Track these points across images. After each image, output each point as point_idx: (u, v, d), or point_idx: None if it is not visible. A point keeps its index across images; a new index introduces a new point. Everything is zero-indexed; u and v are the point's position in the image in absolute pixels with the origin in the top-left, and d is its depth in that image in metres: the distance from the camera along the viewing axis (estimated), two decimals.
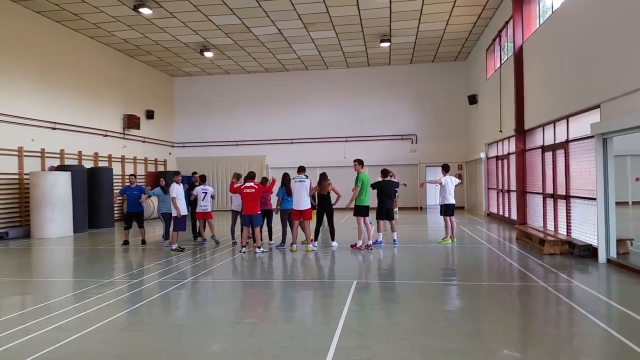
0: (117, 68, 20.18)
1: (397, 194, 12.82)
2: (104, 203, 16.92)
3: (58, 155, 16.45)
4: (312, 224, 11.17)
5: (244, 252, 10.46)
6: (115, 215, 18.28)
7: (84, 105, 17.94)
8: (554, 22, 11.43)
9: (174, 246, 10.90)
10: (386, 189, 11.22)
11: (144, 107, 22.14)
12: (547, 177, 11.95)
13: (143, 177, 21.27)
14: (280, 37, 18.88)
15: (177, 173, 11.61)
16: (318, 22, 17.27)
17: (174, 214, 11.02)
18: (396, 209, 14.34)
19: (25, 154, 14.93)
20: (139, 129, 21.08)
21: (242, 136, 24.86)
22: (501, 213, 16.92)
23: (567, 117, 10.64)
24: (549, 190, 11.78)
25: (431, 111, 23.60)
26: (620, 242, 8.50)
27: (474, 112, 21.47)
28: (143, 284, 7.67)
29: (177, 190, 11.04)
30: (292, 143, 24.44)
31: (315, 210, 11.22)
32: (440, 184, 11.67)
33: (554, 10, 11.65)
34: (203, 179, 12.39)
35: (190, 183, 12.74)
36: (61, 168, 15.59)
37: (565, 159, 10.62)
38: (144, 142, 22.01)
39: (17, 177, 14.74)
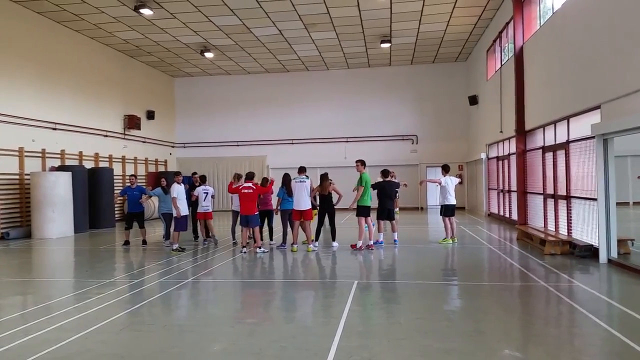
0: (117, 68, 20.20)
1: (397, 194, 12.82)
2: (104, 203, 16.94)
3: (59, 156, 16.46)
4: (313, 224, 11.17)
5: (245, 252, 10.46)
6: (116, 216, 18.28)
7: (84, 106, 17.95)
8: (555, 23, 11.43)
9: (175, 246, 10.90)
10: (387, 190, 11.22)
11: (144, 107, 22.15)
12: (548, 177, 11.95)
13: (144, 177, 21.28)
14: (280, 38, 18.90)
15: (178, 173, 11.61)
16: (319, 23, 17.27)
17: (175, 214, 11.03)
18: (397, 210, 14.34)
19: (26, 154, 14.94)
20: (140, 129, 21.10)
21: (242, 136, 24.87)
22: (502, 213, 16.91)
23: (567, 118, 10.64)
24: (550, 190, 11.78)
25: (432, 112, 23.61)
26: (621, 242, 8.50)
27: (475, 113, 21.47)
28: (144, 284, 7.68)
29: (178, 191, 11.05)
30: (292, 143, 24.44)
31: (316, 211, 11.22)
32: (440, 184, 11.66)
33: (554, 11, 11.65)
34: (203, 180, 12.39)
35: (190, 183, 12.74)
36: (62, 168, 15.59)
37: (566, 160, 10.62)
38: (144, 142, 22.02)
39: (17, 177, 14.74)
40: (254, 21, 16.89)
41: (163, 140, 23.88)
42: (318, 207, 11.15)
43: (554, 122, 11.50)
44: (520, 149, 13.91)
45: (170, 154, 24.72)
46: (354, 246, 10.79)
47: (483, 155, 19.22)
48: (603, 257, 8.38)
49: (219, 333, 5.17)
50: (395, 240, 11.47)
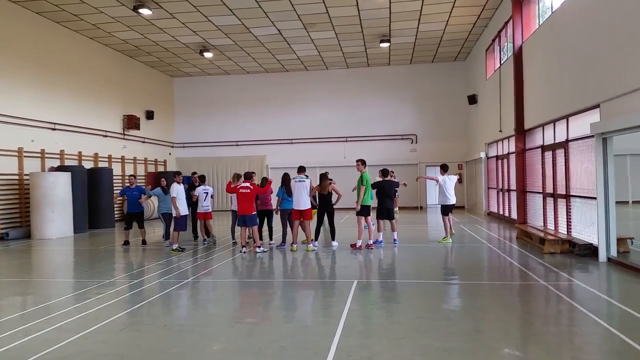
0: (116, 68, 20.18)
1: (397, 193, 12.83)
2: (104, 203, 16.93)
3: (58, 156, 16.45)
4: (313, 223, 11.18)
5: (244, 252, 10.46)
6: (116, 216, 18.28)
7: (83, 106, 17.94)
8: (554, 22, 11.44)
9: (175, 246, 10.90)
10: (386, 189, 11.23)
11: (143, 107, 22.14)
12: (547, 176, 11.96)
13: (143, 177, 21.27)
14: (280, 38, 18.89)
15: (178, 173, 11.60)
16: (318, 23, 17.27)
17: (174, 214, 11.03)
18: (396, 209, 14.34)
19: (25, 154, 14.93)
20: (139, 129, 21.08)
21: (242, 136, 24.86)
22: (501, 212, 16.92)
23: (566, 117, 10.65)
24: (549, 189, 11.79)
25: (431, 111, 23.61)
26: (620, 240, 8.51)
27: (474, 112, 21.48)
28: (143, 284, 7.67)
29: (178, 190, 11.05)
30: (292, 143, 24.44)
31: (315, 210, 11.23)
32: (437, 181, 11.67)
33: (553, 10, 11.65)
34: (202, 179, 12.39)
35: (190, 183, 12.74)
36: (61, 169, 15.58)
37: (565, 159, 10.63)
38: (143, 142, 22.01)
39: (17, 177, 14.73)
40: (253, 21, 16.88)
41: (162, 140, 23.87)
42: (317, 207, 11.15)
43: (553, 121, 11.51)
44: (520, 148, 13.92)
45: (170, 154, 24.71)
46: (353, 246, 10.79)
47: (482, 155, 19.23)
48: (602, 255, 8.39)
49: (219, 333, 5.17)
50: (394, 240, 11.47)
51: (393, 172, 13.31)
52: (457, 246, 11.01)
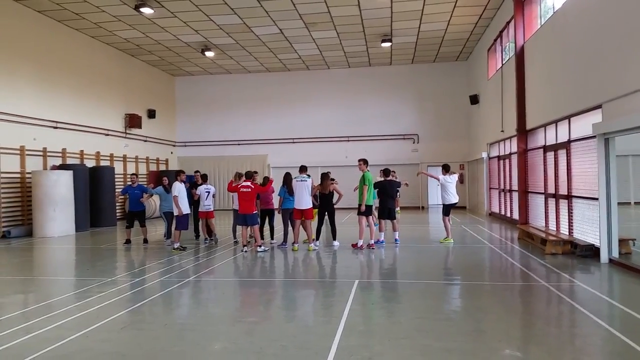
0: (118, 67, 20.20)
1: (398, 193, 12.82)
2: (105, 202, 16.96)
3: (60, 155, 16.47)
4: (314, 223, 11.17)
5: (246, 251, 10.47)
6: (117, 214, 18.30)
7: (85, 105, 17.96)
8: (555, 22, 11.41)
9: (176, 245, 10.90)
10: (388, 189, 11.22)
11: (145, 106, 22.16)
12: (549, 177, 11.94)
13: (145, 176, 21.29)
14: (281, 37, 18.88)
15: (181, 172, 11.60)
16: (319, 22, 17.26)
17: (176, 212, 11.03)
18: (398, 209, 14.33)
19: (27, 153, 14.95)
20: (141, 128, 21.11)
21: (243, 135, 24.87)
22: (503, 213, 16.91)
23: (568, 117, 10.63)
24: (551, 190, 11.77)
25: (433, 111, 23.60)
26: (622, 242, 8.49)
27: (476, 112, 21.45)
28: (145, 282, 7.68)
29: (179, 189, 11.05)
30: (293, 142, 24.44)
31: (316, 210, 11.22)
32: (438, 180, 11.66)
33: (555, 10, 11.63)
34: (205, 178, 12.39)
35: (191, 182, 12.74)
36: (63, 167, 15.60)
37: (567, 159, 10.61)
38: (145, 141, 22.03)
39: (19, 176, 14.76)
40: (255, 20, 16.88)
41: (164, 139, 23.89)
42: (318, 206, 11.15)
43: (555, 122, 11.49)
44: (522, 148, 13.90)
45: (172, 152, 24.74)
46: (354, 245, 10.79)
47: (484, 155, 19.21)
48: (604, 256, 8.37)
49: (220, 332, 5.17)
50: (396, 240, 11.47)
51: (394, 172, 13.30)
52: (459, 247, 11.00)
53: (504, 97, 16.12)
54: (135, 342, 4.92)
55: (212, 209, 12.00)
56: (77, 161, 17.24)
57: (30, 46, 15.37)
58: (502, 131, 16.30)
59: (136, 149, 21.29)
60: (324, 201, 11.05)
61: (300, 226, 10.82)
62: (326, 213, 11.16)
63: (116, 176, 18.32)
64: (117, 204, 18.48)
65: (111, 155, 19.31)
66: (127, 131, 20.61)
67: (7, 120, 14.30)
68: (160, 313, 6.06)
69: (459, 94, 22.94)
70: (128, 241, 12.09)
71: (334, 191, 11.16)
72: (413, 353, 4.42)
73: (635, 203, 10.08)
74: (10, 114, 14.41)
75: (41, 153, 15.63)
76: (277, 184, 11.47)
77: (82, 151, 17.58)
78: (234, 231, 12.06)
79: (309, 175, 10.93)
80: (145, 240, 12.25)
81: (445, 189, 11.52)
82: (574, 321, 5.50)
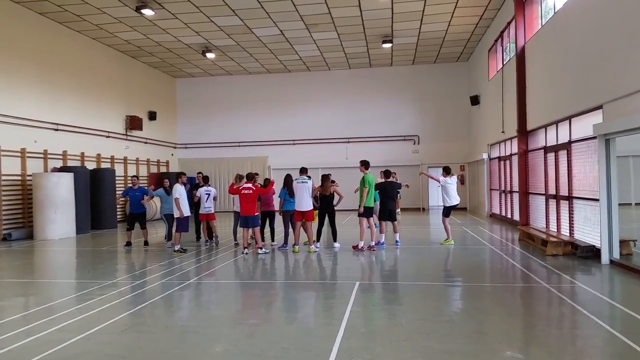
0: (119, 69, 20.23)
1: (399, 195, 12.81)
2: (106, 204, 16.96)
3: (61, 157, 16.48)
4: (315, 224, 11.17)
5: (247, 253, 10.47)
6: (118, 217, 18.31)
7: (86, 107, 17.98)
8: (556, 23, 11.42)
9: (177, 247, 10.90)
10: (388, 190, 11.22)
11: (146, 108, 22.18)
12: (550, 178, 11.93)
13: (145, 178, 21.30)
14: (282, 38, 18.90)
15: (182, 174, 11.60)
16: (320, 23, 17.28)
17: (177, 215, 11.02)
18: (398, 210, 14.33)
19: (27, 155, 14.97)
20: (142, 130, 21.13)
21: (244, 137, 24.88)
22: (503, 214, 16.89)
23: (569, 118, 10.63)
24: (552, 191, 11.75)
25: (433, 112, 23.59)
26: (623, 243, 8.48)
27: (476, 113, 21.45)
28: (146, 285, 7.68)
29: (180, 191, 11.04)
30: (294, 144, 24.45)
31: (316, 211, 11.22)
32: (439, 181, 11.65)
33: (556, 10, 11.63)
34: (206, 180, 12.38)
35: (193, 183, 12.73)
36: (64, 169, 15.61)
37: (568, 160, 10.60)
38: (146, 143, 22.05)
39: (19, 178, 14.77)
40: (255, 21, 16.90)
41: (165, 141, 23.91)
42: (318, 208, 11.14)
43: (556, 122, 11.48)
44: (522, 149, 13.89)
45: (172, 154, 24.75)
46: (355, 247, 10.78)
47: (485, 156, 19.20)
48: (605, 258, 8.36)
49: (221, 334, 5.17)
50: (396, 241, 11.46)
51: (395, 174, 13.29)
52: (459, 248, 10.99)
53: (504, 97, 16.11)
54: (136, 344, 4.92)
55: (212, 211, 11.99)
56: (77, 163, 17.25)
57: (31, 48, 15.39)
58: (503, 132, 16.30)
59: (137, 151, 21.30)
60: (325, 203, 11.06)
61: (301, 228, 10.82)
62: (327, 215, 11.16)
63: (117, 178, 18.34)
64: (118, 206, 18.48)
65: (112, 158, 19.33)
66: (128, 133, 20.63)
67: (8, 122, 14.32)
68: (161, 315, 6.06)
69: (459, 95, 22.94)
70: (129, 243, 12.08)
71: (335, 193, 11.16)
72: (414, 355, 4.41)
73: (636, 204, 10.06)
74: (11, 116, 14.43)
75: (42, 155, 15.64)
76: (277, 186, 11.47)
77: (82, 153, 17.59)
78: (235, 233, 12.06)
79: (309, 177, 10.93)
80: (146, 243, 12.25)
81: (445, 190, 11.51)
82: (575, 322, 5.50)
